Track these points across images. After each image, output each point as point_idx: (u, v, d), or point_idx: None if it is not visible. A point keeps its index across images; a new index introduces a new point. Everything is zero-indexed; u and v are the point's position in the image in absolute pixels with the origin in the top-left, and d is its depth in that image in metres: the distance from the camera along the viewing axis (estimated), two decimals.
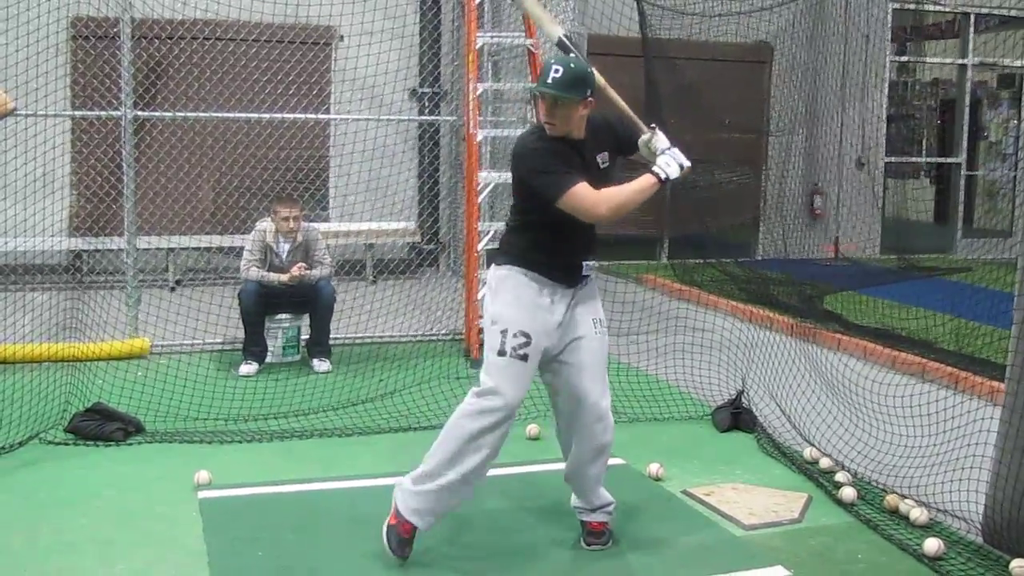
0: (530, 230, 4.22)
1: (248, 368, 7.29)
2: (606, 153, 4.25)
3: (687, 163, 4.15)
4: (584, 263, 4.26)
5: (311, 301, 7.47)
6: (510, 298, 4.16)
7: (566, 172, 4.03)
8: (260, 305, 7.38)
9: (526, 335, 4.11)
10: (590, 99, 4.09)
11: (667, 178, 4.10)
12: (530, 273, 4.18)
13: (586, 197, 4.00)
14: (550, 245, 4.18)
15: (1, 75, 7.25)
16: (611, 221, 4.10)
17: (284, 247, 7.47)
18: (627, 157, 4.41)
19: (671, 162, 4.13)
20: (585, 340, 4.25)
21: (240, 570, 4.15)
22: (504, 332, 4.11)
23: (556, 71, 4.02)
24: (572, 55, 4.32)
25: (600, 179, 4.13)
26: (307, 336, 7.71)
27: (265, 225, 7.52)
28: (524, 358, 4.11)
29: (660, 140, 4.23)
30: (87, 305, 7.34)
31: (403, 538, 4.17)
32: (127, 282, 7.96)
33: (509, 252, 4.26)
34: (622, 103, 4.41)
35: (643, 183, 4.10)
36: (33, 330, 7.27)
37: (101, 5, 7.81)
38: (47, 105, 8.00)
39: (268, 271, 7.40)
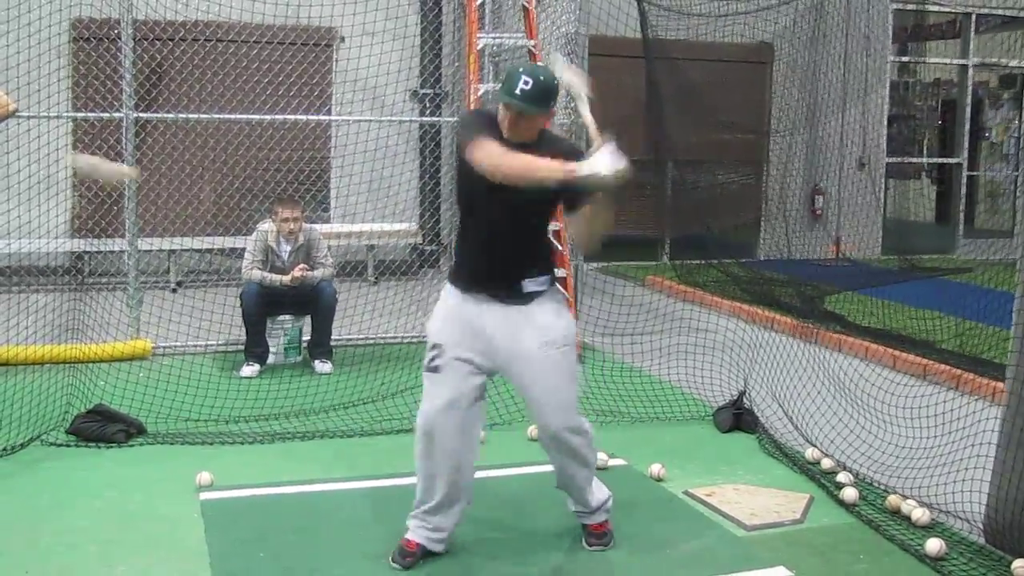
0: (464, 240, 4.21)
1: (250, 370, 7.29)
2: None
3: (621, 166, 3.62)
4: (527, 280, 4.08)
5: (312, 302, 7.47)
6: (436, 310, 4.20)
7: (487, 133, 3.88)
8: (261, 306, 7.38)
9: (437, 346, 4.11)
10: (553, 108, 4.03)
11: (589, 173, 3.63)
12: (455, 286, 4.18)
13: (493, 150, 3.77)
14: (474, 256, 4.15)
15: (2, 77, 7.24)
16: (508, 181, 3.74)
17: (285, 248, 7.47)
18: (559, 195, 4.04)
19: (601, 160, 3.64)
20: (528, 363, 4.08)
21: (242, 571, 4.15)
22: (426, 346, 4.17)
23: (525, 83, 3.87)
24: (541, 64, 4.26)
25: (532, 191, 3.88)
26: (309, 337, 7.71)
27: (266, 226, 7.52)
28: (435, 370, 4.10)
29: (605, 150, 3.69)
30: (89, 306, 7.33)
31: (405, 549, 4.20)
32: (129, 283, 7.96)
33: (452, 265, 4.30)
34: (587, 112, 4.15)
35: (555, 164, 3.70)
36: (35, 332, 7.26)
37: (102, 6, 7.81)
38: (49, 107, 8.00)
39: (270, 272, 7.40)
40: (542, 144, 4.01)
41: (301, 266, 7.37)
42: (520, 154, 3.83)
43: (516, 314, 4.09)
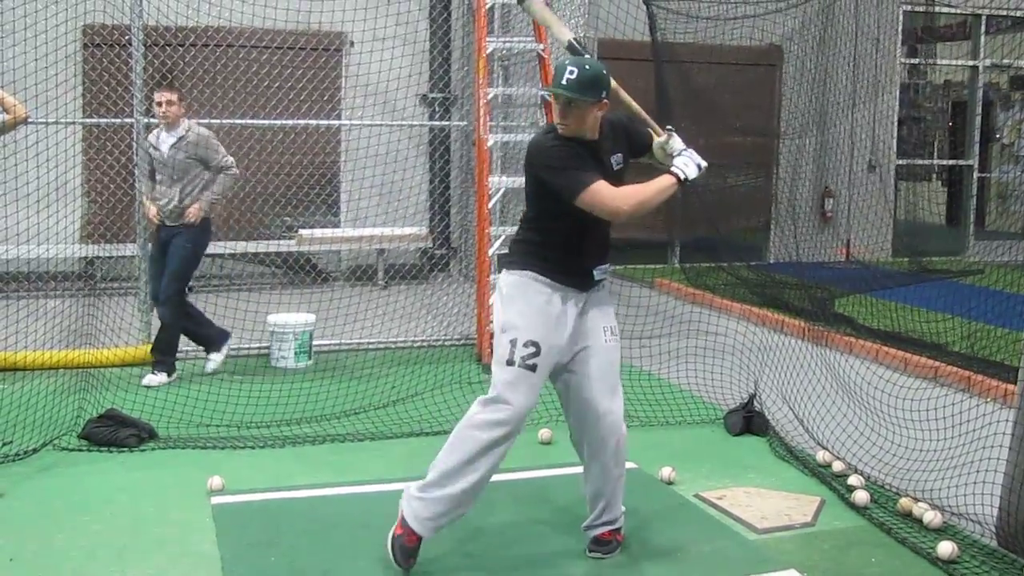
0: (542, 234, 4.21)
1: (155, 379, 7.04)
2: (620, 155, 4.24)
3: (703, 163, 4.18)
4: (596, 269, 4.24)
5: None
6: (521, 306, 4.13)
7: (583, 170, 4.02)
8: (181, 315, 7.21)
9: (535, 344, 4.07)
10: (604, 100, 4.09)
11: (686, 178, 4.12)
12: (541, 278, 4.15)
13: (606, 195, 4.00)
14: (562, 250, 4.16)
15: (15, 84, 7.28)
16: (631, 219, 4.09)
17: (166, 140, 7.09)
18: (638, 159, 4.43)
19: (688, 163, 4.15)
20: (594, 349, 4.22)
21: (253, 575, 4.16)
22: (513, 341, 4.08)
23: (571, 72, 4.02)
24: (586, 56, 4.32)
25: (614, 180, 4.12)
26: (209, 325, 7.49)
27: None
28: (533, 368, 4.07)
29: (676, 142, 4.28)
30: (100, 311, 7.37)
31: (407, 548, 4.13)
32: (140, 288, 7.99)
33: (522, 257, 4.22)
34: (636, 105, 4.43)
35: (663, 183, 4.12)
36: (46, 337, 7.30)
37: (113, 12, 7.84)
38: (60, 113, 8.03)
39: (149, 175, 7.17)
40: (603, 138, 4.19)
41: (154, 212, 7.09)
42: (628, 190, 4.08)
43: (588, 301, 4.26)
